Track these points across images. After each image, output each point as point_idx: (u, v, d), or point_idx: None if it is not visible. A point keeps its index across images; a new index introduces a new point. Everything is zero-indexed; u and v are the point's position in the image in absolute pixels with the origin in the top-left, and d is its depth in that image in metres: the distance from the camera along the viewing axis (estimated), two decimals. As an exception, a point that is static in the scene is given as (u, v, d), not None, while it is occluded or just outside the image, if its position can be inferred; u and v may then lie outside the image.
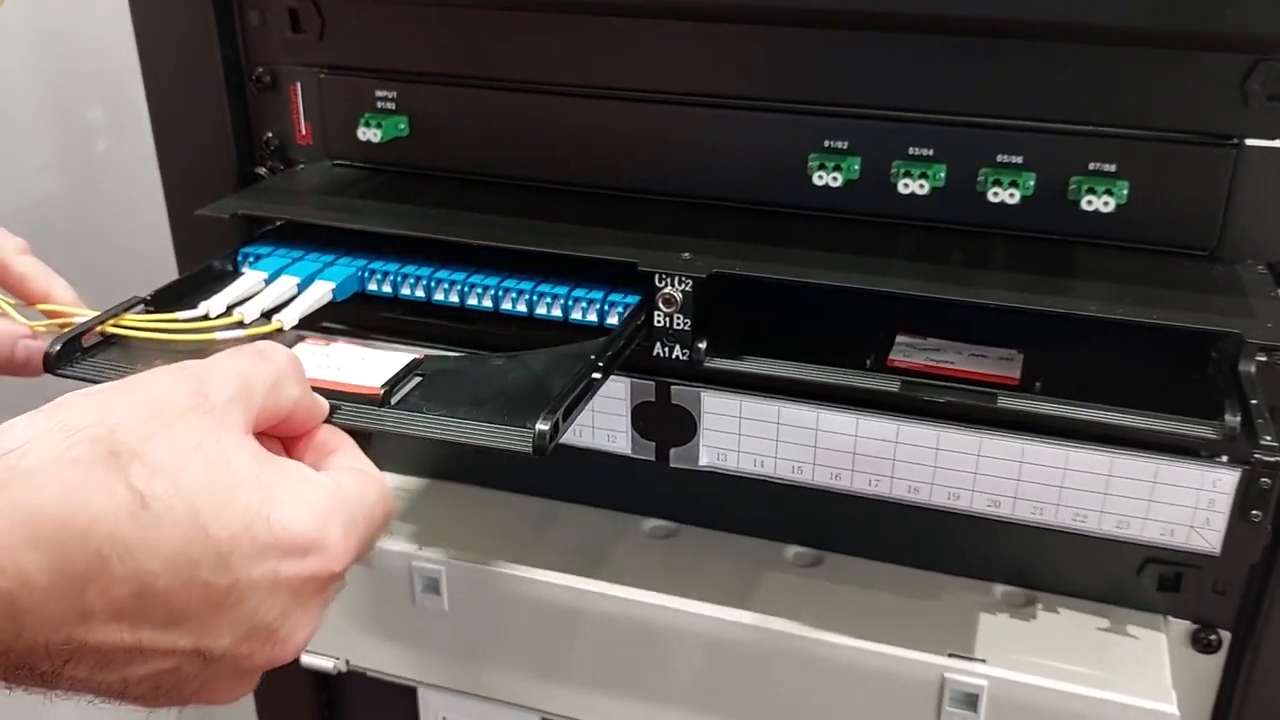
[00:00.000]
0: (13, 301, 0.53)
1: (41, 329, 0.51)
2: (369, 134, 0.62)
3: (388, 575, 0.68)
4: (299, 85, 0.65)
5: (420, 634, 0.70)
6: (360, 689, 0.80)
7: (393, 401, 0.45)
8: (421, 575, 0.68)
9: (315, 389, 0.43)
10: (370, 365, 0.47)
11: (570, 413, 0.43)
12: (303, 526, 0.35)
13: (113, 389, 0.35)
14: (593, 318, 0.53)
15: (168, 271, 0.65)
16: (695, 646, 0.63)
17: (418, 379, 0.47)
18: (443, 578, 0.67)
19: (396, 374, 0.46)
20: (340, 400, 0.44)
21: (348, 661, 0.73)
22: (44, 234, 0.92)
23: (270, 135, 0.67)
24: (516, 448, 0.41)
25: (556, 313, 0.53)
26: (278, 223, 0.63)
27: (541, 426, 0.41)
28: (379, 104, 0.63)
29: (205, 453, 0.34)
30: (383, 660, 0.71)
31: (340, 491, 0.37)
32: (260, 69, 0.66)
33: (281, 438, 0.41)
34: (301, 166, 0.67)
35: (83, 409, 0.34)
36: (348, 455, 0.41)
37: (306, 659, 0.73)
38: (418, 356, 0.47)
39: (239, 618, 0.34)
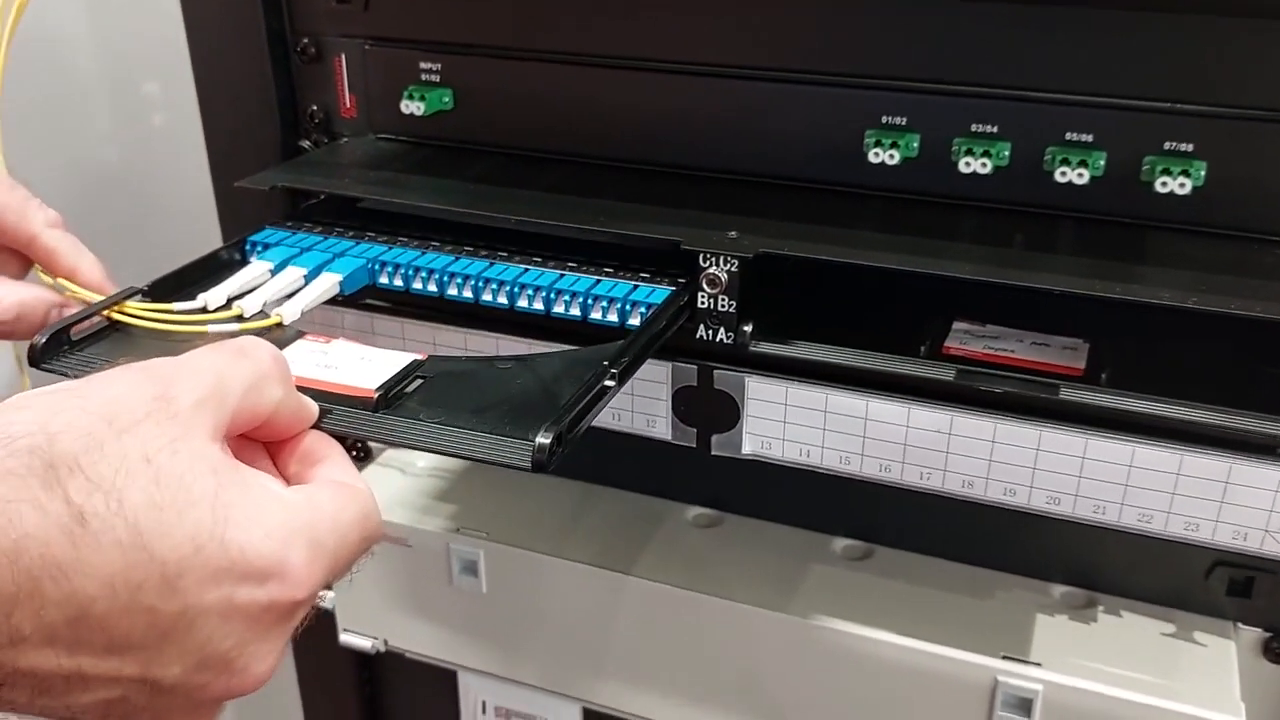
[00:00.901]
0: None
1: (72, 295, 0.50)
2: (412, 107, 0.61)
3: (425, 555, 0.67)
4: (343, 57, 0.64)
5: (458, 616, 0.69)
6: (401, 670, 0.79)
7: (388, 407, 0.42)
8: (459, 557, 0.66)
9: (306, 390, 0.40)
10: (370, 366, 0.44)
11: (576, 424, 0.41)
12: (260, 549, 0.33)
13: (67, 391, 0.33)
14: (613, 318, 0.50)
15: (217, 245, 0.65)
16: (738, 641, 0.61)
17: (418, 381, 0.44)
18: (481, 560, 0.66)
19: (394, 376, 0.43)
20: (331, 404, 0.41)
21: (386, 642, 0.72)
22: (100, 205, 0.92)
23: (315, 108, 0.66)
24: (515, 463, 0.39)
25: (575, 312, 0.51)
26: (321, 197, 0.62)
27: (541, 440, 0.39)
28: (423, 76, 0.62)
29: (156, 466, 0.32)
30: (421, 642, 0.71)
31: (310, 511, 0.35)
32: (305, 40, 0.65)
33: (264, 442, 0.39)
34: (345, 140, 0.66)
35: (26, 413, 0.31)
36: (333, 466, 0.38)
37: (345, 638, 0.73)
38: (419, 357, 0.45)
39: (189, 647, 0.32)
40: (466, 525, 0.67)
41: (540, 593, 0.66)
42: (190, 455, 0.33)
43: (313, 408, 0.40)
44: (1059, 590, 0.62)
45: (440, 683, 0.75)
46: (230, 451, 0.35)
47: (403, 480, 0.72)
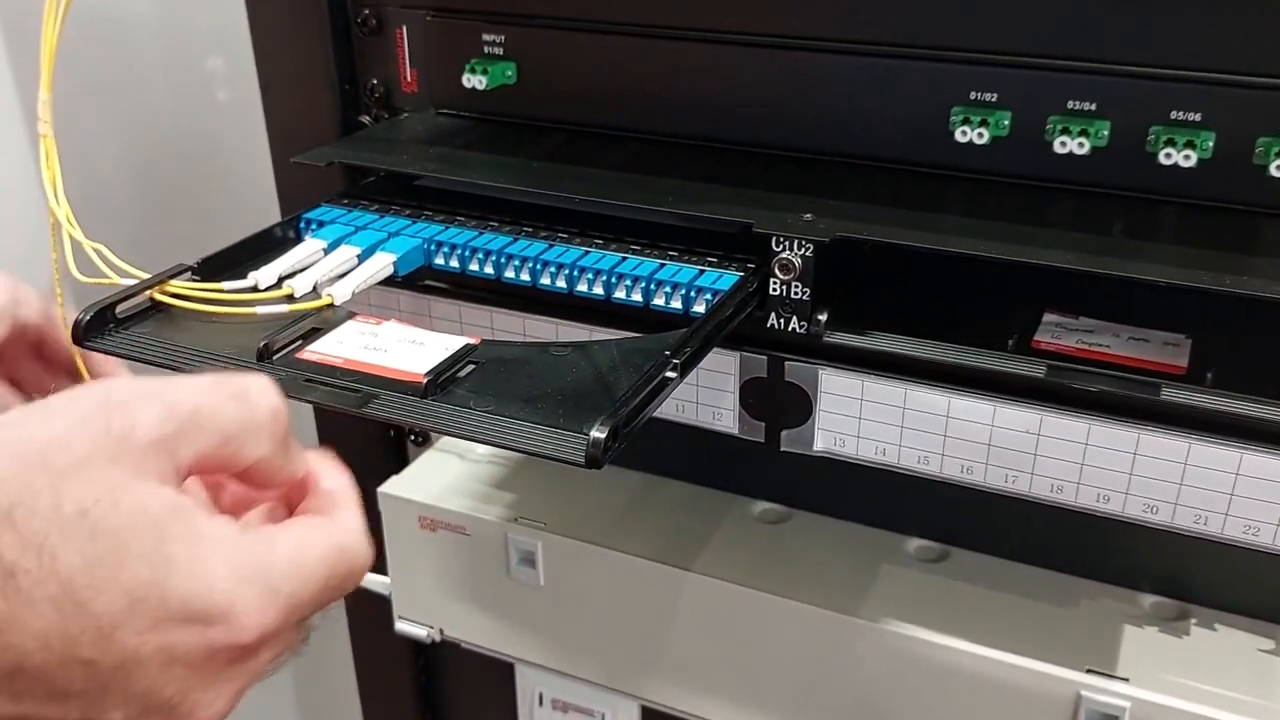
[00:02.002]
0: None
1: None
2: (474, 81, 0.59)
3: (482, 544, 0.66)
4: (405, 29, 0.62)
5: (515, 607, 0.67)
6: (457, 658, 0.78)
7: (437, 393, 0.41)
8: (517, 547, 0.65)
9: (352, 373, 0.39)
10: (420, 350, 0.43)
11: (634, 418, 0.38)
12: (204, 596, 0.31)
13: (10, 425, 0.32)
14: (677, 304, 0.48)
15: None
16: (803, 645, 0.59)
17: (470, 367, 0.42)
18: (539, 551, 0.64)
19: (445, 361, 0.42)
20: (378, 388, 0.40)
21: (442, 631, 0.70)
22: (164, 181, 0.92)
23: (375, 82, 0.64)
24: (567, 458, 0.37)
25: (636, 297, 0.48)
26: (381, 173, 0.60)
27: (596, 434, 0.36)
28: (486, 49, 0.59)
29: (93, 521, 0.30)
30: (476, 632, 0.69)
31: (267, 555, 0.33)
32: (366, 11, 0.63)
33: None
34: (405, 115, 0.64)
35: None
36: (313, 499, 0.37)
37: (401, 626, 0.71)
38: (472, 341, 0.43)
39: (130, 695, 0.31)
40: (525, 515, 0.65)
41: (599, 587, 0.63)
42: (131, 506, 0.31)
43: (301, 470, 0.37)
44: (1149, 600, 0.58)
45: (497, 672, 0.74)
46: (191, 486, 0.34)
47: (460, 466, 0.70)
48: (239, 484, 0.37)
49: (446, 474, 0.69)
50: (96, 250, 0.53)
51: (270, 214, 0.69)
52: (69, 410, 0.32)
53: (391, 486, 0.68)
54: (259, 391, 0.35)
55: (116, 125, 0.88)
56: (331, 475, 0.38)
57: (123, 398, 0.32)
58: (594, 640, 0.65)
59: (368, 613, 0.80)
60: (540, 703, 0.74)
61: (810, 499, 0.65)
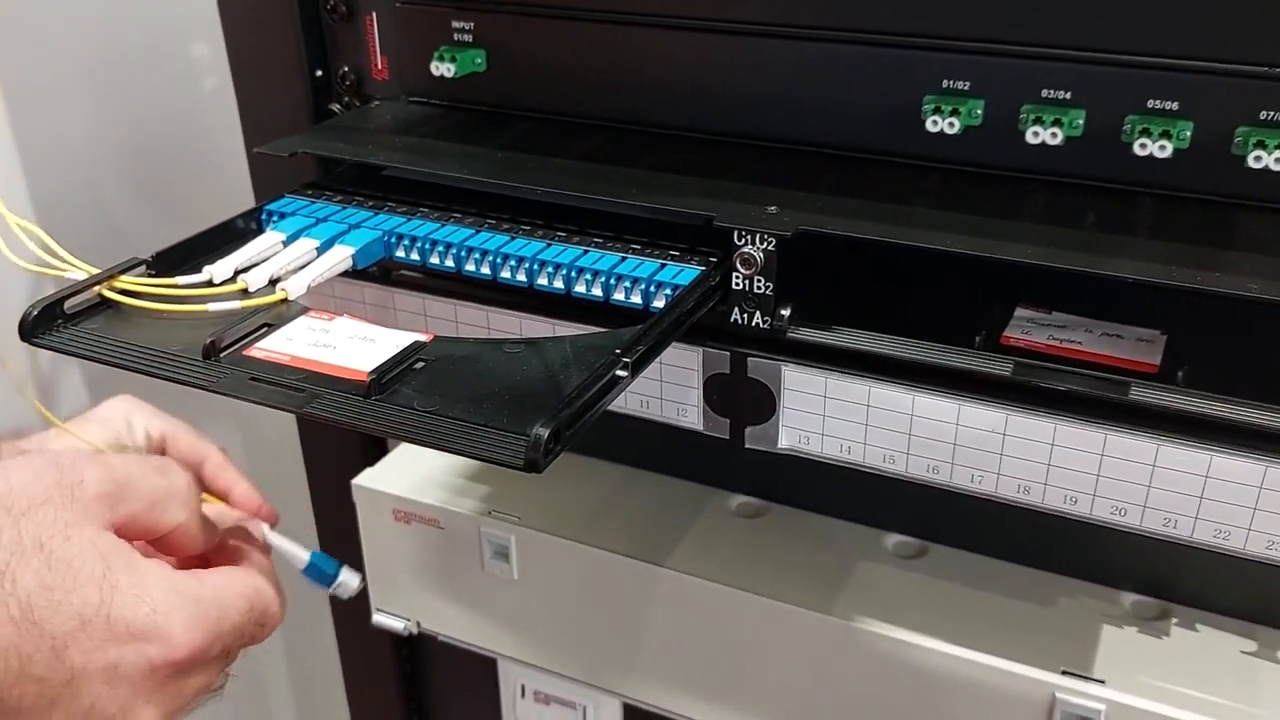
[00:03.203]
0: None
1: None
2: (443, 69, 0.58)
3: (456, 538, 0.65)
4: (375, 15, 0.61)
5: (490, 601, 0.66)
6: (441, 652, 0.78)
7: (381, 392, 0.39)
8: (490, 541, 0.64)
9: (296, 370, 0.41)
10: (370, 346, 0.42)
11: (579, 420, 0.37)
12: (145, 617, 0.37)
13: None
14: (637, 299, 0.47)
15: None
16: (776, 642, 0.58)
17: (419, 364, 0.41)
18: (512, 545, 0.63)
19: (393, 358, 0.41)
20: (320, 386, 0.40)
21: (419, 624, 0.70)
22: (151, 172, 0.91)
23: (346, 70, 0.63)
24: (507, 461, 0.36)
25: (596, 292, 0.47)
26: (350, 162, 0.59)
27: (537, 435, 0.35)
28: (455, 36, 0.58)
29: (49, 551, 0.36)
30: (453, 625, 0.69)
31: (197, 588, 0.39)
32: (336, -3, 0.62)
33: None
34: (376, 103, 0.63)
35: None
36: (232, 555, 0.44)
37: (378, 618, 0.71)
38: (422, 338, 0.42)
39: (74, 711, 0.36)
40: (499, 508, 0.64)
41: (573, 582, 0.63)
42: (81, 541, 0.37)
43: (214, 536, 0.44)
44: (1129, 599, 0.57)
45: (480, 663, 0.73)
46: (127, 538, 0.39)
47: (437, 458, 0.69)
48: (163, 552, 0.42)
49: (423, 466, 0.69)
50: (35, 235, 0.52)
51: (250, 204, 0.68)
52: (25, 467, 0.38)
53: (366, 479, 0.68)
54: (177, 468, 0.42)
55: (100, 113, 0.87)
56: (247, 538, 0.45)
57: (71, 460, 0.38)
58: (569, 635, 0.65)
59: (350, 605, 0.79)
60: (522, 694, 0.74)
61: (789, 493, 0.64)
